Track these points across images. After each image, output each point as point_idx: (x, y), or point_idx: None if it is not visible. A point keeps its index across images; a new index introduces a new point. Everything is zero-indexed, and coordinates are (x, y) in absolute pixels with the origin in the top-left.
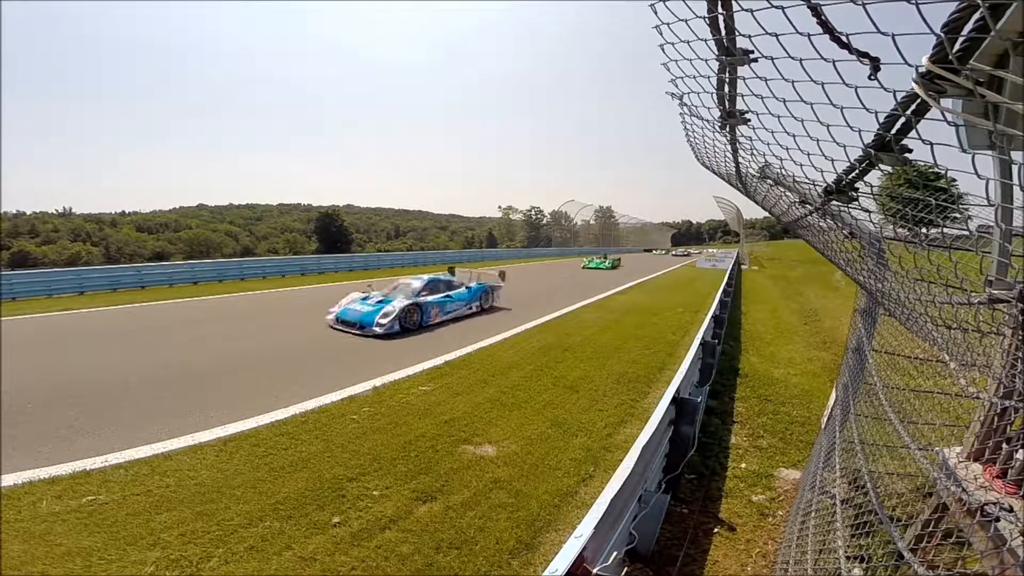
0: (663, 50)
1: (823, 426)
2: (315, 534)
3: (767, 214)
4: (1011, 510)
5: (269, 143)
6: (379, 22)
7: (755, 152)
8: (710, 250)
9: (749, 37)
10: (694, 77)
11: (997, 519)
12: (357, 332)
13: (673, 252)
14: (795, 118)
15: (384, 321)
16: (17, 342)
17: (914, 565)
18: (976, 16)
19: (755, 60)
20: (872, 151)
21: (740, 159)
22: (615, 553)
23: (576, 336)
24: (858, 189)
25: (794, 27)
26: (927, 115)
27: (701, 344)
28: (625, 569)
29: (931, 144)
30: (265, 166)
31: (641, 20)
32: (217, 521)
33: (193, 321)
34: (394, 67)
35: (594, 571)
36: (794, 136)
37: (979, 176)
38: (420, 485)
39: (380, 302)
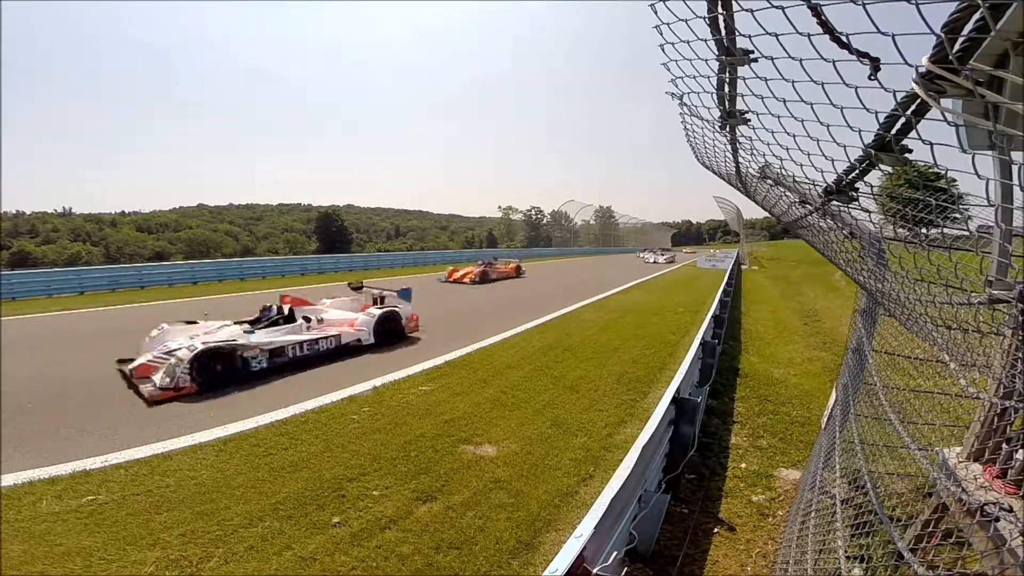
0: (663, 50)
1: (823, 426)
2: (315, 534)
3: (767, 214)
4: (1011, 510)
5: (269, 143)
6: (380, 21)
7: (755, 152)
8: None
9: (749, 37)
10: (694, 77)
11: (997, 519)
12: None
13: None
14: (795, 118)
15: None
16: (29, 342)
17: (914, 565)
18: (976, 16)
19: (755, 60)
20: (872, 151)
21: (740, 159)
22: (615, 553)
23: (576, 336)
24: (858, 189)
25: (794, 27)
26: (927, 115)
27: (701, 344)
28: (625, 569)
29: (931, 144)
30: (265, 166)
31: (640, 20)
32: (217, 521)
33: None
34: (395, 67)
35: (594, 571)
36: (794, 136)
37: (979, 176)
38: (420, 485)
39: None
